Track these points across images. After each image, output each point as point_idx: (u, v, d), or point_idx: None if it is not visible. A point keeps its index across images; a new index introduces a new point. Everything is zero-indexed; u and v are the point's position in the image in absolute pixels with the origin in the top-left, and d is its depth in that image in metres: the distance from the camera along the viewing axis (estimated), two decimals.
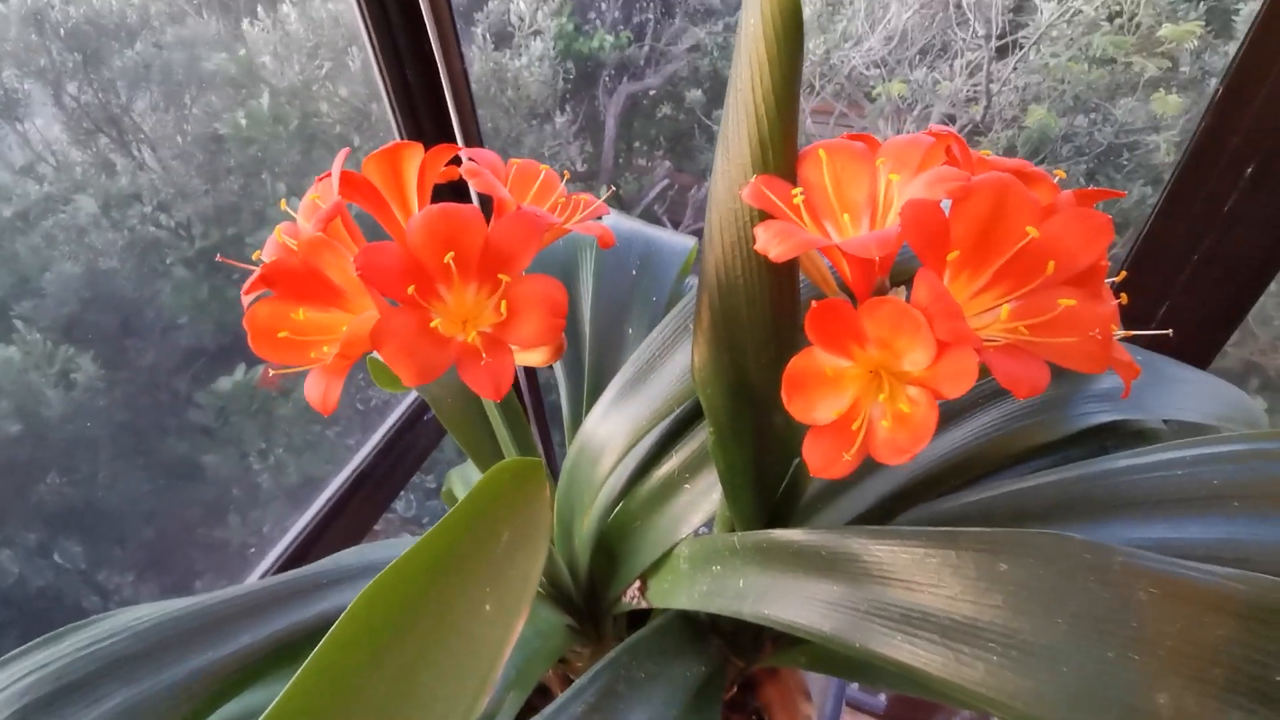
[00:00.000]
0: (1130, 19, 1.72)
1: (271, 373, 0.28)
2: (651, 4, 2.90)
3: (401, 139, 0.62)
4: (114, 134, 1.83)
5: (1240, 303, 0.59)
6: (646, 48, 2.88)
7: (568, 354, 0.57)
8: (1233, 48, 1.87)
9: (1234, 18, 1.76)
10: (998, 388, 0.41)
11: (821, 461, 0.24)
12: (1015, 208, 0.23)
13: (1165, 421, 0.46)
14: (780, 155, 0.27)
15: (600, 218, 0.38)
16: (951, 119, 1.96)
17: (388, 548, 0.45)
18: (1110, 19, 1.77)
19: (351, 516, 0.86)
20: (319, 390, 0.28)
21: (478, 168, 0.30)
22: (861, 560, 0.31)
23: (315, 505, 0.84)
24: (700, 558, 0.39)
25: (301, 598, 0.38)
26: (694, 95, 2.74)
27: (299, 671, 0.27)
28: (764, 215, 0.27)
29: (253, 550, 1.59)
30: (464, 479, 0.71)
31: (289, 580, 0.40)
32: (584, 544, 0.45)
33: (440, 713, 0.28)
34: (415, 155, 0.33)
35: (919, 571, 0.29)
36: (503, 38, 2.24)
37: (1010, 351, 0.22)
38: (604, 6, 2.87)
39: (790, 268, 0.30)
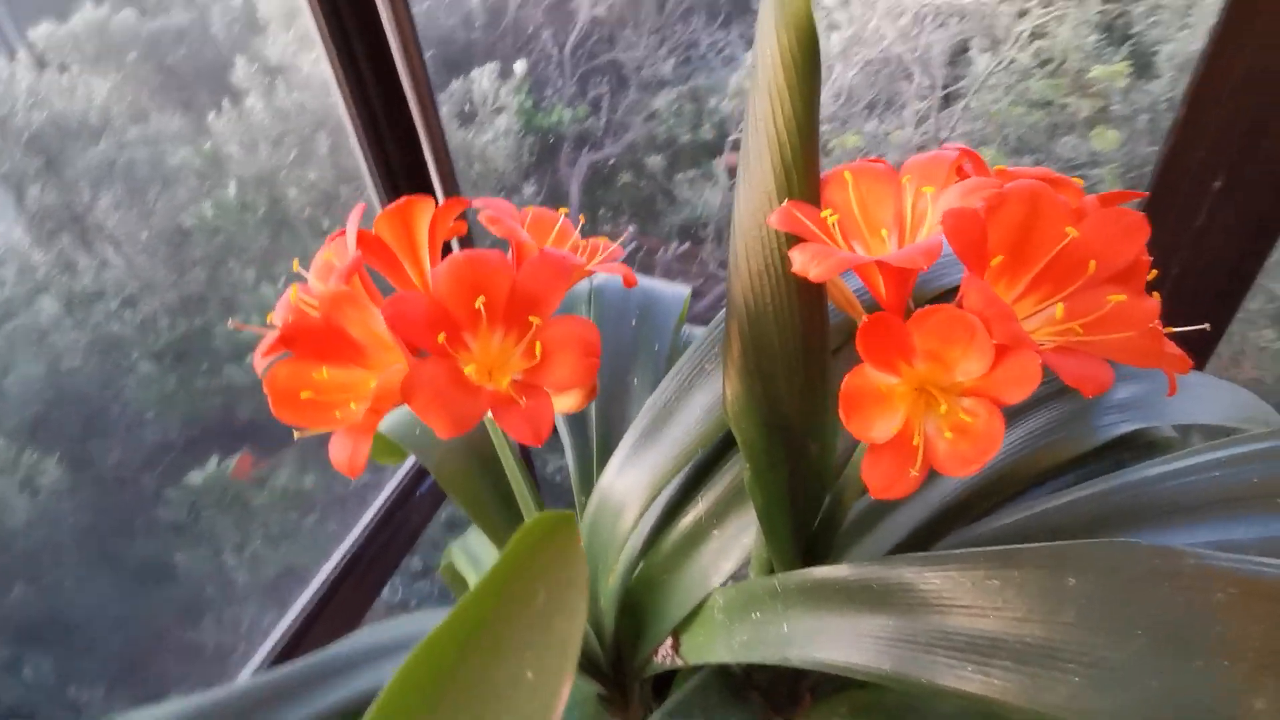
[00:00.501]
0: (1060, 63, 1.83)
1: (296, 435, 0.27)
2: (605, 78, 3.00)
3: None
4: (77, 233, 1.81)
5: (1221, 312, 0.60)
6: (604, 119, 2.97)
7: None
8: (1155, 85, 1.98)
9: (1154, 58, 1.88)
10: (1017, 408, 0.41)
11: (883, 481, 0.24)
12: (1049, 212, 0.23)
13: (1178, 430, 0.46)
14: (804, 180, 0.27)
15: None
16: None
17: (387, 630, 0.42)
18: (1042, 65, 1.88)
19: (342, 604, 0.82)
20: (346, 451, 0.26)
21: (497, 214, 0.30)
22: (917, 590, 0.29)
23: (304, 595, 0.80)
24: (737, 606, 0.38)
25: (315, 687, 0.35)
26: (654, 161, 2.81)
27: None
28: (791, 240, 0.27)
29: (235, 655, 1.50)
30: (465, 551, 0.68)
31: (288, 675, 0.37)
32: (610, 604, 0.43)
33: None
34: (426, 210, 0.32)
35: (981, 595, 0.28)
36: (466, 116, 2.30)
37: (1068, 352, 0.22)
38: (560, 83, 2.96)
39: (820, 292, 0.29)
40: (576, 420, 0.55)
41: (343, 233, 0.31)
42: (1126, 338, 0.23)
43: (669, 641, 0.42)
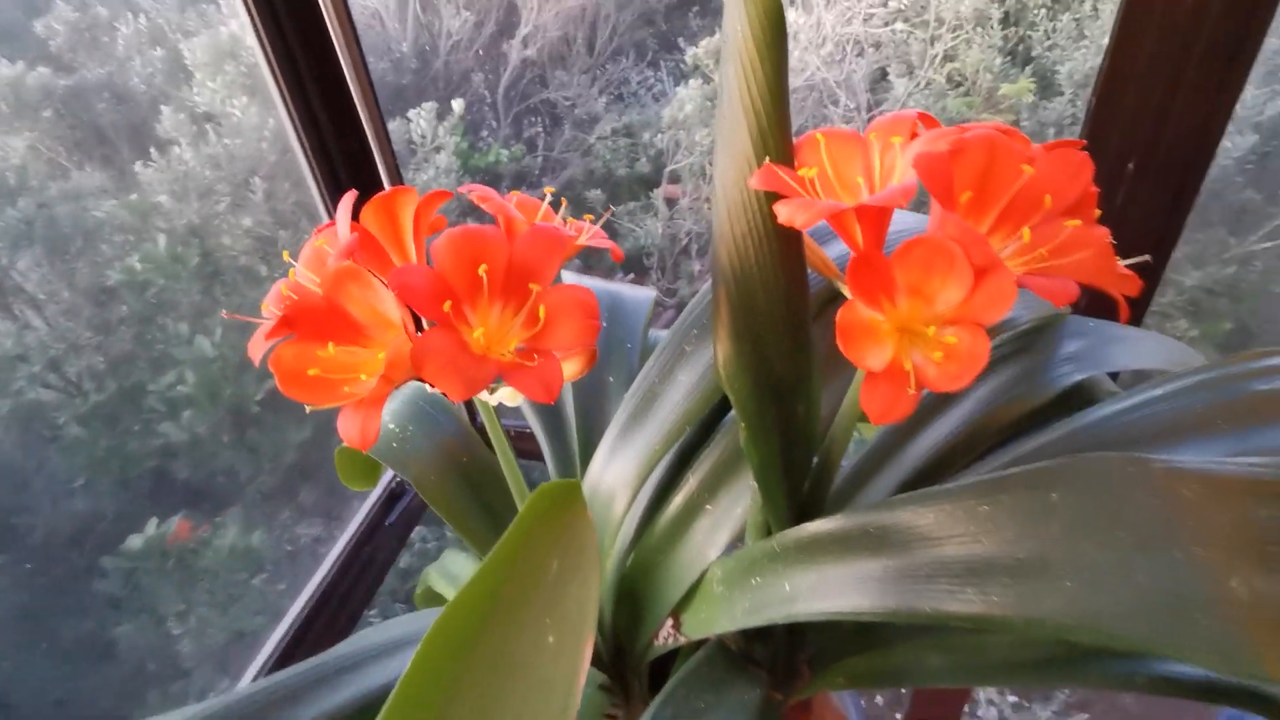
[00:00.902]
0: (972, 83, 1.95)
1: (309, 409, 0.27)
2: (539, 118, 3.05)
3: None
4: None
5: (1146, 282, 0.64)
6: (540, 157, 3.01)
7: (547, 414, 0.56)
8: (1058, 102, 2.11)
9: (1055, 77, 2.03)
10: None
11: (882, 406, 0.25)
12: (1006, 155, 0.26)
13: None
14: (780, 143, 0.29)
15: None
16: None
17: (389, 629, 0.42)
18: (955, 85, 2.00)
19: (313, 647, 0.79)
20: (356, 425, 0.26)
21: (487, 194, 0.31)
22: (912, 528, 0.31)
23: (273, 637, 0.77)
24: (736, 575, 0.38)
25: (322, 687, 0.34)
26: (593, 195, 2.85)
27: None
28: (773, 198, 0.29)
29: None
30: (443, 572, 0.67)
31: (293, 677, 0.36)
32: (607, 593, 0.44)
33: None
34: (410, 201, 0.33)
35: (972, 523, 0.29)
36: (403, 158, 2.31)
37: (1038, 272, 0.24)
38: (495, 124, 2.99)
39: (800, 255, 0.31)
40: (553, 423, 0.56)
41: (329, 225, 0.32)
42: (1084, 258, 0.25)
43: (669, 623, 0.42)
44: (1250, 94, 1.87)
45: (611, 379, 0.54)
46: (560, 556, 0.30)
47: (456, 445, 0.55)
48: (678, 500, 0.43)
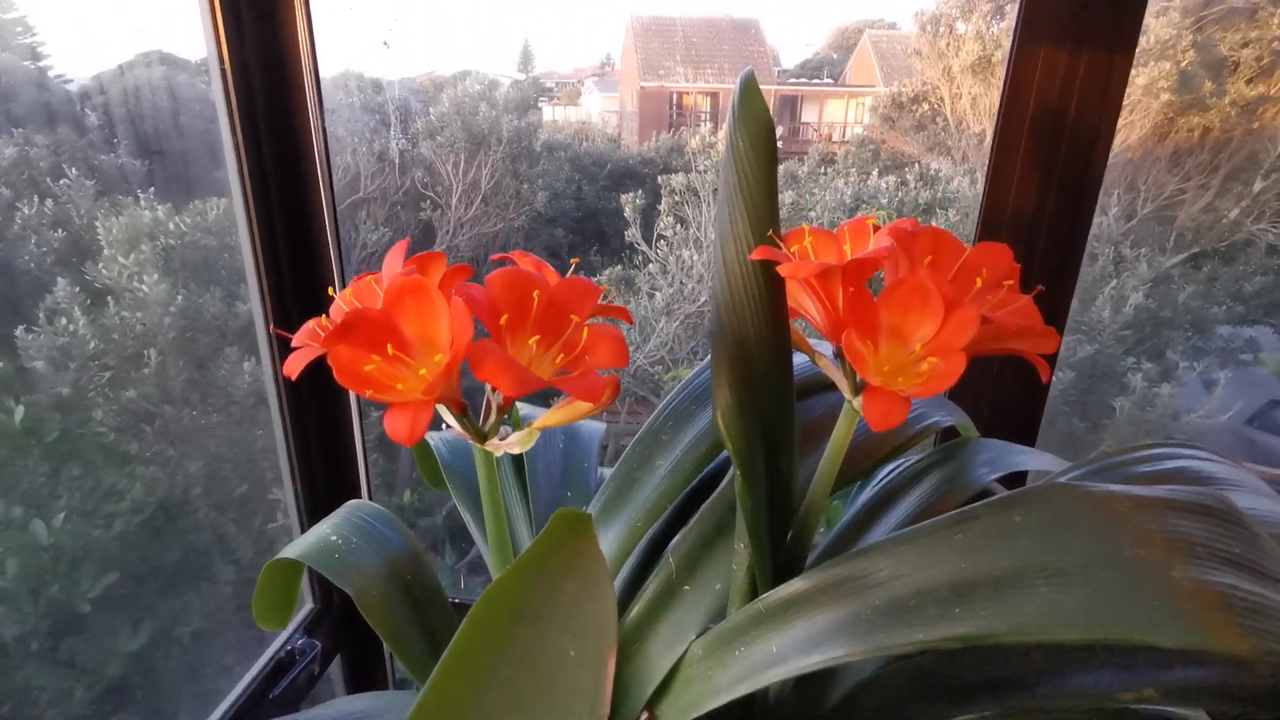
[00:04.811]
0: None
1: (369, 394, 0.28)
2: None
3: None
4: None
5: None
6: None
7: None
8: None
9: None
10: (915, 472, 0.50)
11: (880, 415, 0.30)
12: (949, 242, 0.34)
13: None
14: (774, 228, 0.36)
15: None
16: None
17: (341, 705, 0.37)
18: None
19: None
20: (406, 421, 0.28)
21: (522, 253, 0.35)
22: (895, 565, 0.34)
23: None
24: (718, 648, 0.39)
25: None
26: None
27: None
28: (768, 269, 0.35)
29: None
30: None
31: None
32: None
33: None
34: (441, 265, 0.37)
35: (951, 551, 0.33)
36: None
37: (989, 313, 0.31)
38: None
39: (786, 321, 0.37)
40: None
41: (367, 275, 0.35)
42: (1019, 307, 0.32)
43: (644, 716, 0.40)
44: (1063, 340, 2.24)
45: (570, 494, 0.56)
46: (576, 580, 0.31)
47: (403, 562, 0.53)
48: (653, 587, 0.43)
